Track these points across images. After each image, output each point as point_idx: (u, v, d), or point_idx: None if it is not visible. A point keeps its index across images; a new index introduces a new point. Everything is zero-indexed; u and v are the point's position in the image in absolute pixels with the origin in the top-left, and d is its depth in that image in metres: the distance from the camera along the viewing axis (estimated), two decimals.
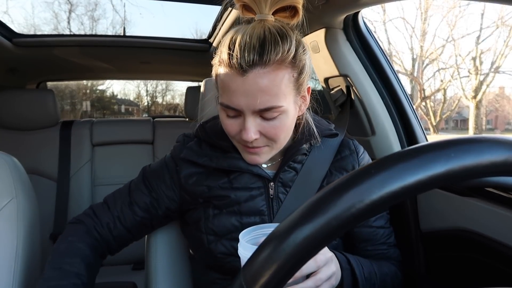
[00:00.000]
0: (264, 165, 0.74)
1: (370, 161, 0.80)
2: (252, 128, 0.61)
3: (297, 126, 0.73)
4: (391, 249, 0.79)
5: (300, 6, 0.61)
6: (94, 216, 0.76)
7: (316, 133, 0.72)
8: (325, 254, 0.58)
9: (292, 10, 0.61)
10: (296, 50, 0.60)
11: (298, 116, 0.71)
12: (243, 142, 0.64)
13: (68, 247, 0.71)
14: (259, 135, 0.62)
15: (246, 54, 0.56)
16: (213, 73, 0.66)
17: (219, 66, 0.62)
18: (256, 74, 0.57)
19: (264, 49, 0.56)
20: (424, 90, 14.59)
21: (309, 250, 0.27)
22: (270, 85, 0.58)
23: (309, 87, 0.68)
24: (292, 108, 0.63)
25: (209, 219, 0.72)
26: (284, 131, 0.64)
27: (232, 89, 0.59)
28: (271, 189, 0.71)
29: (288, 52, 0.58)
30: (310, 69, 0.66)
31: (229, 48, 0.58)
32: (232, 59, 0.57)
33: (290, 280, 0.54)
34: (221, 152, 0.72)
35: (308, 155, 0.74)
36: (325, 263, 0.57)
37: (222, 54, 0.60)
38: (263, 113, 0.60)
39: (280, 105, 0.60)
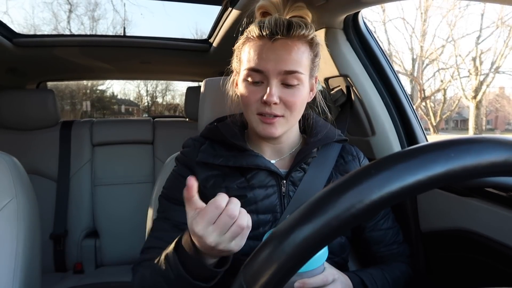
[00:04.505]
0: (272, 161, 0.78)
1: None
2: (275, 91, 0.67)
3: (307, 127, 0.81)
4: (401, 247, 0.82)
5: (307, 17, 0.74)
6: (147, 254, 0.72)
7: (329, 138, 0.79)
8: (333, 274, 0.62)
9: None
10: (314, 35, 0.71)
11: (308, 116, 0.80)
12: (262, 110, 0.69)
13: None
14: (279, 101, 0.68)
15: (276, 26, 0.67)
16: (236, 54, 0.75)
17: (246, 43, 0.71)
18: (284, 42, 0.67)
19: (291, 26, 0.68)
20: (424, 90, 14.60)
21: (309, 250, 0.27)
22: (294, 52, 0.68)
23: (316, 76, 0.76)
24: (307, 84, 0.72)
25: None
26: (299, 103, 0.70)
27: (261, 54, 0.68)
28: (283, 187, 0.75)
29: (309, 32, 0.70)
30: (319, 61, 0.76)
31: (260, 24, 0.69)
32: (263, 30, 0.68)
33: None
34: (237, 151, 0.75)
35: (315, 156, 0.79)
36: (332, 281, 0.61)
37: (251, 32, 0.70)
38: (286, 78, 0.68)
39: (301, 72, 0.68)
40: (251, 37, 0.70)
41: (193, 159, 0.76)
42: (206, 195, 0.72)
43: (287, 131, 0.74)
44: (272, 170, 0.73)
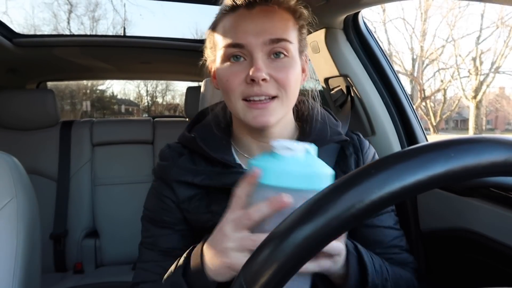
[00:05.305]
0: None
1: (376, 156, 0.74)
2: (262, 65, 0.56)
3: (304, 122, 0.70)
4: (405, 254, 0.69)
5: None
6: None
7: (326, 140, 0.67)
8: None
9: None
10: (298, 5, 0.62)
11: (303, 103, 0.70)
12: (249, 92, 0.58)
13: None
14: (269, 78, 0.57)
15: None
16: (208, 40, 0.65)
17: (219, 22, 0.62)
18: (263, 8, 0.58)
19: None
20: (424, 90, 14.61)
21: (309, 250, 0.27)
22: (277, 19, 0.58)
23: (306, 55, 0.67)
24: (297, 59, 0.61)
25: None
26: (293, 80, 0.59)
27: (239, 25, 0.58)
28: None
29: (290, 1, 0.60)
30: (306, 38, 0.66)
31: None
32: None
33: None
34: (222, 167, 0.63)
35: None
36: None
37: (223, 6, 0.61)
38: (273, 49, 0.58)
39: (290, 40, 0.58)
40: (224, 11, 0.60)
41: (170, 175, 0.65)
42: (190, 213, 0.64)
43: (282, 119, 0.62)
44: None
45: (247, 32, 0.57)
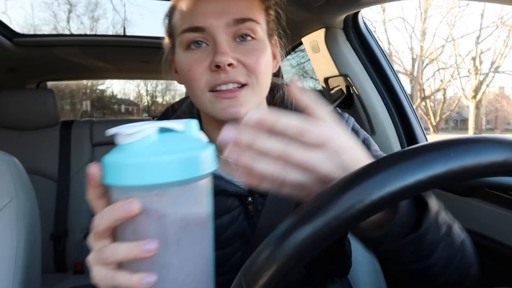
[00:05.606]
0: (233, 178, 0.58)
1: (356, 125, 0.64)
2: (227, 48, 0.50)
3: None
4: None
5: None
6: None
7: None
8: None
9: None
10: None
11: (276, 99, 0.64)
12: (216, 81, 0.51)
13: None
14: (237, 63, 0.51)
15: None
16: (166, 29, 0.59)
17: (177, 3, 0.55)
18: None
19: None
20: (424, 90, 14.61)
21: (309, 251, 0.27)
22: None
23: (276, 39, 0.61)
24: (267, 42, 0.55)
25: None
26: (263, 65, 0.53)
27: (198, 6, 0.51)
28: (250, 205, 0.57)
29: None
30: (274, 20, 0.60)
31: None
32: None
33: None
34: None
35: None
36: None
37: None
38: (238, 30, 0.51)
39: (256, 20, 0.52)
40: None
41: None
42: None
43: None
44: (230, 193, 0.55)
45: (207, 13, 0.50)
